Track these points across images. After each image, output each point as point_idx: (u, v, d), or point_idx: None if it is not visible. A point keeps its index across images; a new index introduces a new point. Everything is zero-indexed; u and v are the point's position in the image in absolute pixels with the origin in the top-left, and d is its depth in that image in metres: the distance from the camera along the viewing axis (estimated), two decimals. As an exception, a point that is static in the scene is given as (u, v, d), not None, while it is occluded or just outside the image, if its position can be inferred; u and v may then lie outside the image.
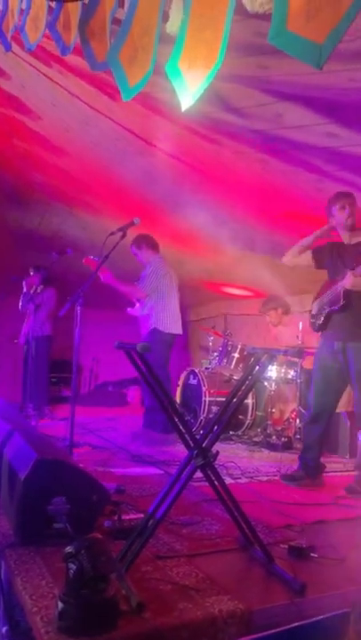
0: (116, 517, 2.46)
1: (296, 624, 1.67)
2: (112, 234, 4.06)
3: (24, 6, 2.80)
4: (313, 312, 3.64)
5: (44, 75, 3.64)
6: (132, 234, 4.21)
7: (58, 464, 2.33)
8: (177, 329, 4.95)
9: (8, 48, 3.01)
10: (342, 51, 2.07)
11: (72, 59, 2.96)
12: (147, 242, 5.05)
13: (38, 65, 3.53)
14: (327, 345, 3.52)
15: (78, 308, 3.82)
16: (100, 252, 4.09)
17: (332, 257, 3.57)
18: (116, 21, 2.17)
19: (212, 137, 3.64)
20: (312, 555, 2.28)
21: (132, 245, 5.05)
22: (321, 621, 1.70)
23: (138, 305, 5.05)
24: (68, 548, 1.65)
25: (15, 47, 3.11)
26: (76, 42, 2.40)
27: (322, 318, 3.51)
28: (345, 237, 3.53)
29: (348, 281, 3.30)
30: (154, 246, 5.07)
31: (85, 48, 2.33)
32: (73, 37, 2.39)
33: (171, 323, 4.90)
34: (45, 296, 6.30)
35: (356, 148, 3.33)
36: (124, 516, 2.52)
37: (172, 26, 1.90)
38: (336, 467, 4.19)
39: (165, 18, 1.93)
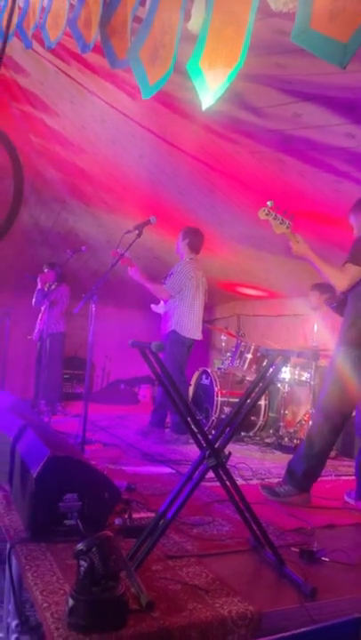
0: (126, 515, 2.46)
1: (306, 628, 1.65)
2: (128, 232, 4.06)
3: (45, 4, 2.81)
4: None
5: (64, 72, 3.66)
6: (147, 232, 4.21)
7: (70, 461, 2.33)
8: (197, 334, 4.86)
9: (29, 46, 3.03)
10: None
11: (91, 56, 2.97)
12: (194, 239, 4.92)
13: (58, 62, 3.55)
14: None
15: (92, 305, 3.82)
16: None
17: None
18: (137, 19, 2.17)
19: (230, 136, 3.63)
20: (323, 559, 2.26)
21: (181, 231, 4.96)
22: (331, 626, 1.68)
23: (162, 302, 5.01)
24: (80, 545, 1.65)
25: (35, 45, 3.13)
26: (97, 40, 2.41)
27: None
28: None
29: None
30: (196, 247, 4.95)
31: (106, 46, 2.33)
32: (93, 35, 2.39)
33: (192, 327, 4.81)
34: (59, 293, 6.34)
35: (376, 150, 3.30)
36: (135, 515, 2.52)
37: (194, 24, 1.89)
38: (350, 470, 4.16)
39: (187, 16, 1.93)
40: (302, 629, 1.64)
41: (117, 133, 4.38)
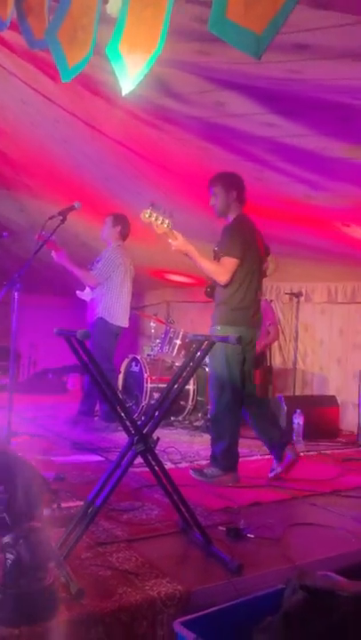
0: (55, 506, 2.44)
1: (233, 602, 1.72)
2: (51, 218, 3.96)
3: None
4: None
5: (-21, 50, 3.48)
6: (72, 218, 4.12)
7: (-5, 453, 2.28)
8: (124, 322, 4.87)
9: None
10: (282, 42, 2.10)
11: (9, 35, 2.85)
12: (123, 225, 4.91)
13: (-28, 39, 3.38)
14: None
15: (15, 292, 3.71)
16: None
17: None
18: (54, -2, 2.10)
19: (154, 122, 3.61)
20: (249, 535, 2.35)
21: (110, 216, 4.93)
22: (256, 598, 1.76)
23: (88, 289, 4.94)
24: (6, 538, 1.63)
25: None
26: (13, 17, 2.31)
27: None
28: None
29: None
30: (125, 234, 4.95)
31: (22, 24, 2.24)
32: (9, 12, 2.29)
33: (119, 315, 4.80)
34: (-19, 281, 6.10)
35: (295, 139, 3.39)
36: (64, 504, 2.51)
37: (113, 7, 1.86)
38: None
39: (105, -1, 1.89)
40: (229, 603, 1.70)
41: (39, 116, 4.24)
